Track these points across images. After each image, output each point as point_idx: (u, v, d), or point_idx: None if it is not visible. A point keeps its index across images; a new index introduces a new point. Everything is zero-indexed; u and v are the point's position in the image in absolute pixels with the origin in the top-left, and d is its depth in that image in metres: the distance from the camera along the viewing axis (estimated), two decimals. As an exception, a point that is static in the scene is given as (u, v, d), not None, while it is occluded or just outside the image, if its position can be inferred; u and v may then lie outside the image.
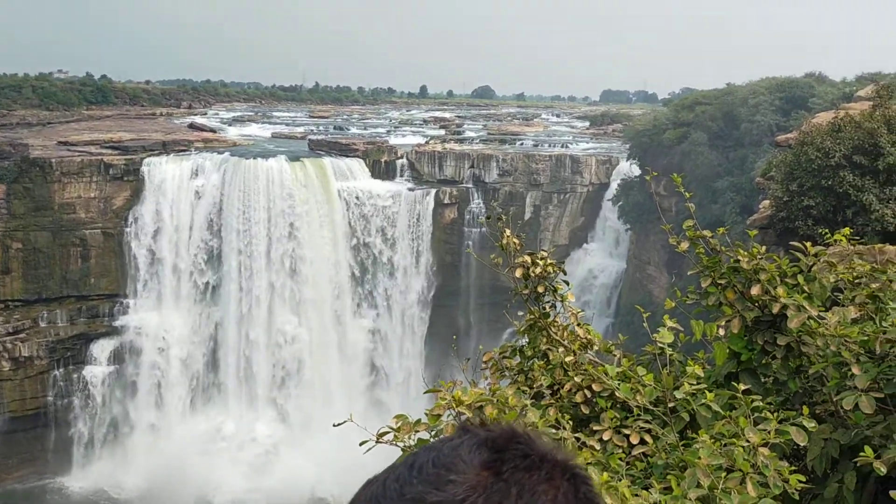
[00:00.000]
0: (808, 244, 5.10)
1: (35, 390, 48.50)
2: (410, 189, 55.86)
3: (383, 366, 54.08)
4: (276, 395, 50.80)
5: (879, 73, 48.64)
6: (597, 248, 59.96)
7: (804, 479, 4.02)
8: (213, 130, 64.47)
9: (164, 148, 52.65)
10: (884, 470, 4.10)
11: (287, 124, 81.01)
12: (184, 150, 53.09)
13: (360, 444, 3.47)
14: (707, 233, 5.16)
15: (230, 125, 75.22)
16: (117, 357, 49.70)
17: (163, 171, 50.38)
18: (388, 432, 3.48)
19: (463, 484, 0.97)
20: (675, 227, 5.62)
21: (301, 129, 73.32)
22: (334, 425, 3.59)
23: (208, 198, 50.39)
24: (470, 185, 57.89)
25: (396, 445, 3.38)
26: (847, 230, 5.50)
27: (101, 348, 49.65)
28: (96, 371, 49.40)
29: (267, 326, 50.79)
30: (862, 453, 4.14)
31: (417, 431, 3.51)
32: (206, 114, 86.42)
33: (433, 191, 55.77)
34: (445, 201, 55.96)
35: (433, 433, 3.49)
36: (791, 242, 5.44)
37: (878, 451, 4.59)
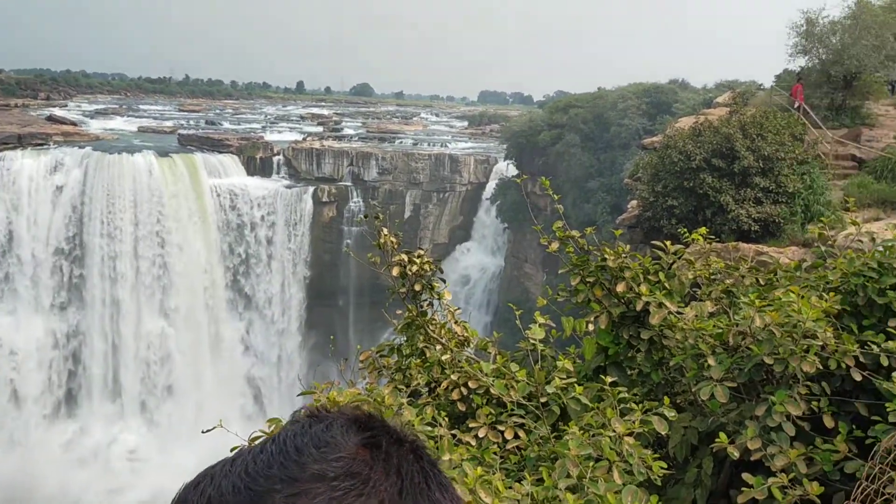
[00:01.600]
0: (669, 243, 5.37)
1: None
2: (287, 187, 54.78)
3: (259, 370, 52.77)
4: (144, 401, 48.52)
5: (736, 81, 52.08)
6: (476, 247, 61.00)
7: (666, 466, 4.23)
8: (73, 123, 60.73)
9: (20, 141, 49.12)
10: (737, 454, 4.37)
11: (155, 118, 77.60)
12: (41, 144, 49.74)
13: (232, 450, 3.34)
14: (576, 233, 5.35)
15: (93, 118, 71.19)
16: (-33, 365, 46.00)
17: (19, 166, 46.99)
18: (261, 436, 3.38)
19: (351, 459, 0.96)
20: (549, 226, 5.79)
21: (170, 123, 70.42)
22: (203, 432, 3.45)
23: (69, 194, 47.41)
24: (349, 184, 57.46)
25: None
26: (703, 230, 5.84)
27: (-50, 355, 45.84)
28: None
29: (134, 330, 48.41)
30: (717, 439, 4.41)
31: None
32: (66, 106, 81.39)
33: (311, 188, 54.95)
34: (324, 199, 55.26)
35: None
36: (653, 242, 5.73)
37: (732, 436, 4.90)
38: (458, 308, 6.83)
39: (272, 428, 3.45)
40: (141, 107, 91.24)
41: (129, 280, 47.74)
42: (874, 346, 4.53)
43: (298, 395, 3.44)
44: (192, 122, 73.04)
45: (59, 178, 47.33)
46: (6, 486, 42.18)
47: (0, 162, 46.60)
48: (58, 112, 68.32)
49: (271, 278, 53.65)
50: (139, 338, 48.30)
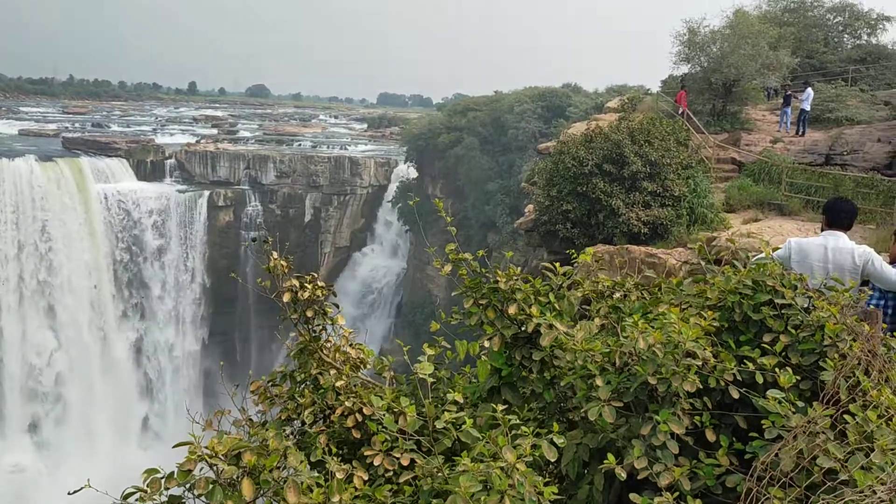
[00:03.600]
0: (558, 264, 5.46)
1: None
2: (181, 191, 52.94)
3: (153, 380, 50.77)
4: (30, 420, 45.81)
5: (625, 86, 53.94)
6: (378, 250, 60.75)
7: (556, 491, 4.29)
8: (-56, 126, 56.83)
9: None
10: (624, 475, 4.48)
11: (37, 120, 73.54)
12: None
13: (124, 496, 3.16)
14: (468, 255, 5.36)
15: (-34, 120, 66.81)
16: None
17: None
18: (134, 492, 3.20)
19: None
20: (447, 231, 5.78)
21: (53, 126, 66.88)
22: (69, 493, 3.24)
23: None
24: (246, 187, 56.11)
25: (146, 505, 3.12)
26: (591, 249, 5.97)
27: None
28: None
29: (19, 344, 45.65)
30: (607, 458, 4.51)
31: (168, 488, 3.27)
32: (-65, 106, 75.98)
33: (206, 193, 53.32)
34: (220, 203, 53.74)
35: (186, 487, 3.27)
36: (544, 264, 5.81)
37: (621, 453, 5.03)
38: (353, 330, 6.74)
39: (148, 480, 3.27)
40: (21, 108, 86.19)
41: (11, 293, 45.00)
42: (750, 364, 4.74)
43: (174, 446, 3.29)
44: (77, 125, 69.63)
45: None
46: None
47: None
48: (-75, 114, 63.73)
49: (165, 287, 51.73)
50: (24, 353, 45.60)
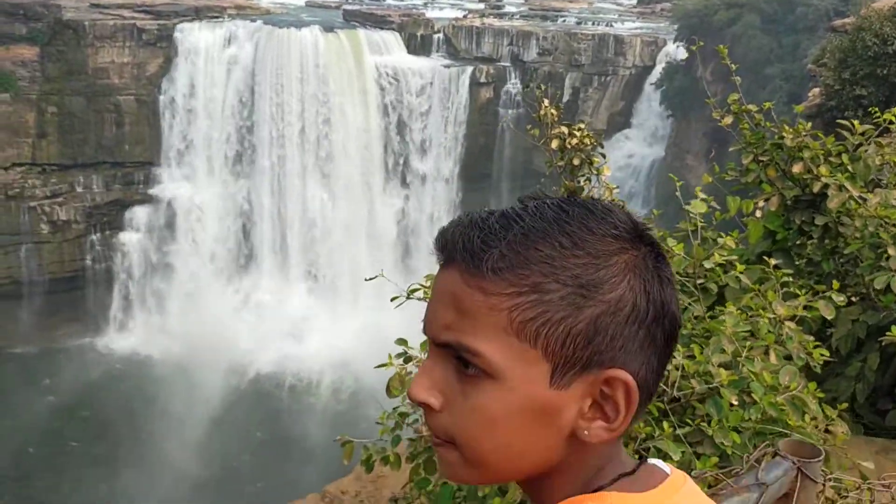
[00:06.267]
0: (857, 122, 4.93)
1: (73, 254, 49.95)
2: (446, 66, 54.48)
3: (411, 242, 54.49)
4: (307, 268, 51.85)
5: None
6: (635, 135, 58.68)
7: (827, 354, 4.05)
8: (246, -3, 62.79)
9: (197, 14, 51.52)
10: (910, 349, 4.12)
11: (321, -7, 78.51)
12: (216, 17, 51.95)
13: (392, 300, 3.53)
14: (752, 107, 5.00)
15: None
16: (153, 225, 50.73)
17: (195, 38, 49.60)
18: (418, 289, 3.54)
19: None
20: (711, 115, 5.46)
21: (336, -1, 71.10)
22: (366, 280, 3.65)
23: (242, 68, 49.75)
24: (507, 64, 56.27)
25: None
26: (899, 109, 5.29)
27: (137, 216, 50.62)
28: (132, 237, 50.56)
29: (300, 201, 51.22)
30: (889, 332, 4.16)
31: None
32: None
33: (469, 68, 54.36)
34: (481, 80, 54.62)
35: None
36: (838, 121, 5.27)
37: (906, 333, 4.60)
38: (617, 187, 6.68)
39: (429, 282, 3.59)
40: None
41: (295, 152, 50.17)
42: None
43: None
44: (356, -2, 73.38)
45: (233, 51, 49.63)
46: (184, 338, 47.11)
47: (179, 34, 49.32)
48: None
49: (427, 158, 54.53)
50: (304, 208, 51.17)
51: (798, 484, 1.97)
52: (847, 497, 2.38)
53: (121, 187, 50.78)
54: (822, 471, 2.16)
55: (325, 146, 50.96)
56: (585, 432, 0.96)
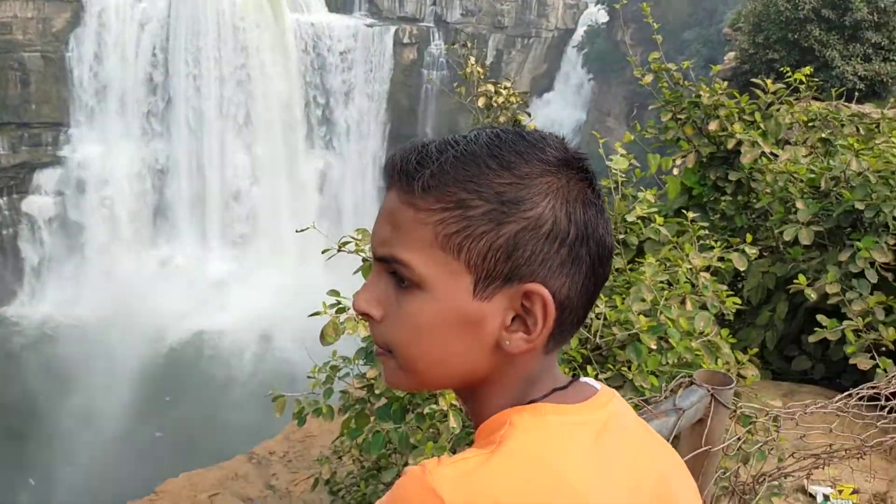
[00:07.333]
0: (769, 82, 5.14)
1: (-22, 219, 47.59)
2: (368, 25, 53.59)
3: (334, 203, 53.80)
4: (226, 231, 50.69)
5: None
6: (557, 98, 59.31)
7: (739, 302, 4.27)
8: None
9: (105, -32, 48.97)
10: (814, 296, 4.37)
11: (239, -52, 75.69)
12: (126, -28, 49.51)
13: (323, 252, 3.53)
14: (672, 66, 5.15)
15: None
16: (63, 188, 48.57)
17: (105, -5, 47.26)
18: (349, 241, 3.54)
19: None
20: (632, 77, 5.59)
21: (254, -46, 68.66)
22: (297, 231, 3.64)
23: (154, 24, 47.71)
24: (431, 25, 55.78)
25: (358, 255, 3.46)
26: (808, 69, 5.53)
27: (46, 178, 48.29)
28: (42, 201, 48.33)
29: (218, 161, 49.86)
30: (796, 281, 4.40)
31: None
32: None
33: (393, 28, 53.63)
34: (405, 41, 53.99)
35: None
36: (752, 80, 5.48)
37: (811, 283, 4.87)
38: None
39: (361, 235, 3.60)
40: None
41: (212, 111, 48.66)
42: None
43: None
44: (274, -46, 71.09)
45: (145, 6, 47.51)
46: (101, 303, 45.55)
47: (87, -10, 46.87)
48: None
49: (350, 120, 53.79)
50: (223, 169, 49.83)
51: (711, 410, 2.13)
52: (756, 421, 2.56)
53: (28, 149, 48.27)
54: (734, 400, 2.32)
55: (245, 106, 49.58)
56: (507, 342, 1.01)
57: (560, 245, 0.99)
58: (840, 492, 3.69)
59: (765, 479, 2.54)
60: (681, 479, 1.13)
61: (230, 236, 50.55)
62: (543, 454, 0.96)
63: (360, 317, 1.10)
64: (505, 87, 6.13)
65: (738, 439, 2.42)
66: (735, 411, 2.39)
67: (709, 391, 2.10)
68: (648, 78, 5.11)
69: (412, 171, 1.02)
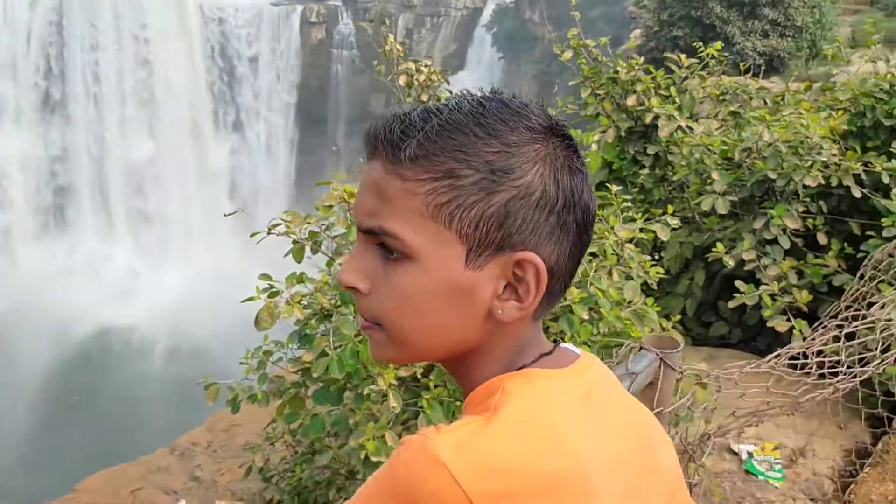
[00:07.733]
0: (683, 56, 5.29)
1: None
2: (274, 4, 52.31)
3: (245, 189, 52.56)
4: (132, 219, 48.82)
5: None
6: (468, 77, 59.47)
7: (662, 272, 4.41)
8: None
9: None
10: (731, 263, 4.56)
11: (133, -77, 72.47)
12: (12, -54, 46.61)
13: (252, 236, 3.45)
14: (590, 42, 5.23)
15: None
16: (-48, 178, 45.69)
17: (-11, -30, 44.36)
18: (279, 224, 3.47)
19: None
20: (547, 55, 5.66)
21: (150, -70, 65.87)
22: (225, 215, 3.53)
23: (45, 4, 45.20)
24: (339, 3, 54.91)
25: (289, 237, 3.38)
26: (719, 44, 5.73)
27: (-67, 169, 45.40)
28: (-71, 193, 45.39)
29: (121, 148, 47.83)
30: (714, 249, 4.58)
31: (308, 224, 3.51)
32: None
33: (300, 7, 52.53)
34: (312, 20, 52.96)
35: (324, 226, 3.50)
36: (667, 55, 5.63)
37: (727, 251, 5.08)
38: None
39: (290, 217, 3.52)
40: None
41: (113, 94, 46.61)
42: (877, 164, 4.61)
43: (316, 184, 3.49)
44: (172, -70, 68.40)
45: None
46: (2, 294, 43.22)
47: (-30, -35, 43.91)
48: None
49: (258, 103, 52.52)
50: (125, 159, 47.86)
51: (661, 373, 2.20)
52: (701, 382, 2.67)
53: None
54: (680, 362, 2.41)
55: (147, 89, 47.61)
56: (500, 311, 1.01)
57: (549, 212, 0.99)
58: (763, 448, 3.89)
59: (710, 437, 2.66)
60: (661, 438, 1.16)
61: (136, 224, 48.68)
62: (539, 418, 0.97)
63: (345, 289, 1.07)
64: (426, 65, 6.10)
65: (688, 399, 2.52)
66: (681, 374, 2.48)
67: (658, 355, 2.18)
68: (568, 54, 5.19)
69: (397, 141, 0.99)
